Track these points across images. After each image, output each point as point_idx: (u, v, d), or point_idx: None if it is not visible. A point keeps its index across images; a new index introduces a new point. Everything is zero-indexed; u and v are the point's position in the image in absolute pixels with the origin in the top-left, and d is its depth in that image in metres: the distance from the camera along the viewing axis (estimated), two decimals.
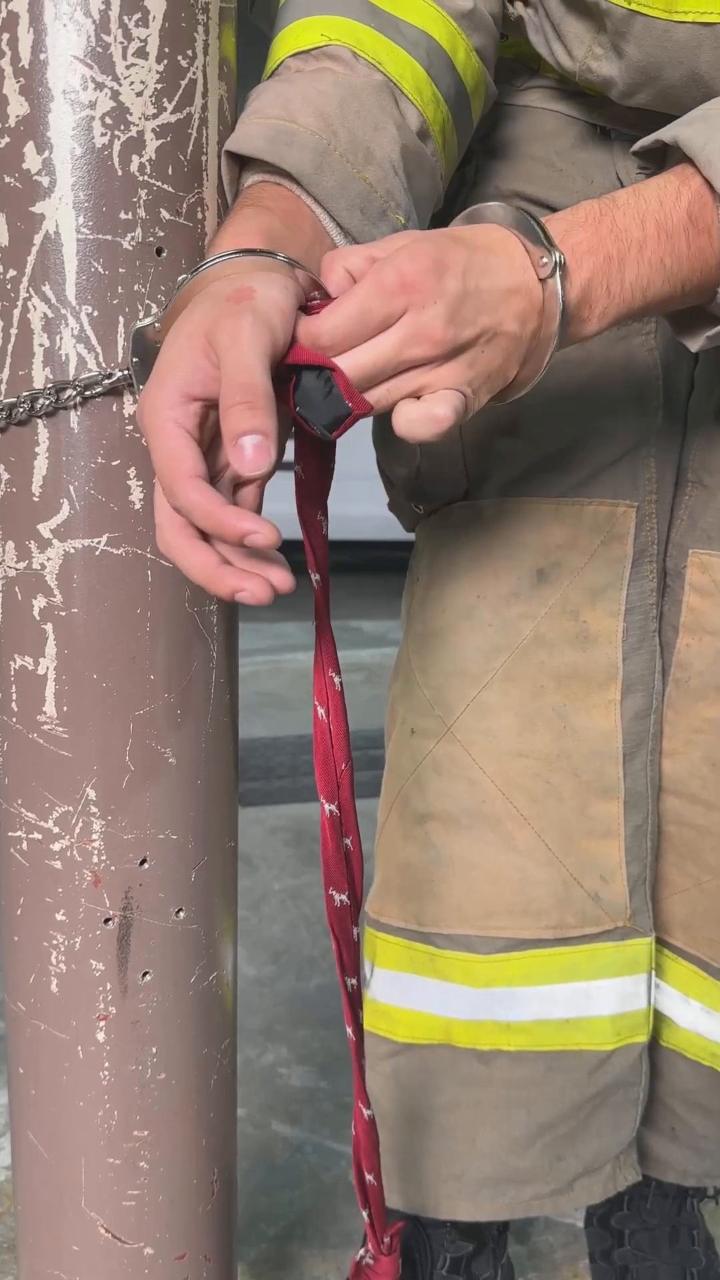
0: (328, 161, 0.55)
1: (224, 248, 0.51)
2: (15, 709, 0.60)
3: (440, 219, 0.74)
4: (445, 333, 0.47)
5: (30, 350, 0.55)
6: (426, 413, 0.48)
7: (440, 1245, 0.95)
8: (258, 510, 0.48)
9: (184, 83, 0.54)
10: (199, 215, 0.56)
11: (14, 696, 0.60)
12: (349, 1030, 0.62)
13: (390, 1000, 0.85)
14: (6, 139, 0.53)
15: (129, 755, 0.60)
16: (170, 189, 0.55)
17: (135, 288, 0.55)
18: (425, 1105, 0.84)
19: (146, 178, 0.54)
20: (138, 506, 0.57)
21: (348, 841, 0.58)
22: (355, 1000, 0.61)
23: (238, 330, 0.44)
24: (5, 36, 0.53)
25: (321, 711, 0.56)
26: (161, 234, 0.55)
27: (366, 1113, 0.65)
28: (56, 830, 0.61)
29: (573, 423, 0.75)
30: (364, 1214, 0.68)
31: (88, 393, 0.54)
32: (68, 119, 0.53)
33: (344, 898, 0.59)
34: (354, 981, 0.61)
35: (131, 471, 0.57)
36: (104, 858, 0.61)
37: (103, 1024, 0.63)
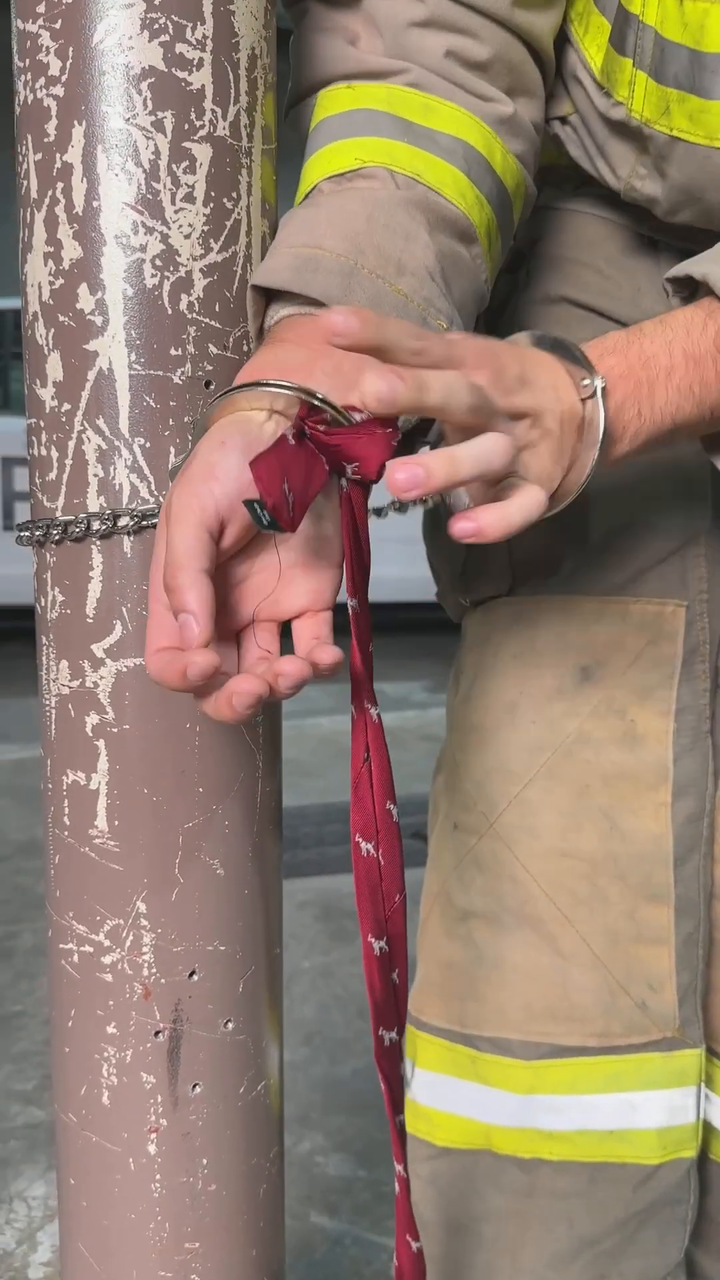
0: (356, 281, 0.56)
1: (244, 376, 0.53)
2: (67, 823, 0.61)
3: (490, 323, 0.77)
4: (517, 400, 0.50)
5: (85, 480, 0.57)
6: (476, 469, 0.48)
7: None
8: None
9: (229, 223, 0.57)
10: (245, 348, 0.59)
11: (66, 811, 0.61)
12: (397, 1167, 0.59)
13: (431, 1103, 0.82)
14: (61, 280, 0.56)
15: (178, 868, 0.61)
16: (217, 324, 0.57)
17: (185, 419, 0.57)
18: (465, 1213, 0.81)
19: (195, 315, 0.56)
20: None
21: (394, 976, 0.55)
22: (404, 1136, 0.59)
23: (174, 514, 0.48)
24: (60, 185, 0.56)
25: (368, 847, 0.54)
26: (210, 367, 0.57)
27: (415, 1245, 0.62)
28: (107, 943, 0.61)
29: (618, 518, 0.75)
30: None
31: (144, 522, 0.56)
32: (119, 262, 0.55)
33: (394, 1036, 0.56)
34: (401, 1119, 0.59)
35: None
36: (154, 970, 0.61)
37: (154, 1136, 0.63)
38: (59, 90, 0.55)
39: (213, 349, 0.57)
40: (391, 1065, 0.57)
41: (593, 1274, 0.80)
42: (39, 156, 0.56)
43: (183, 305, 0.56)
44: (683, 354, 0.55)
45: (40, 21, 0.55)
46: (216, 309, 0.57)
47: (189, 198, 0.56)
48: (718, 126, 0.62)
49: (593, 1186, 0.79)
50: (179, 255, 0.55)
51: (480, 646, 0.80)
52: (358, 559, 0.49)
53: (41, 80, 0.55)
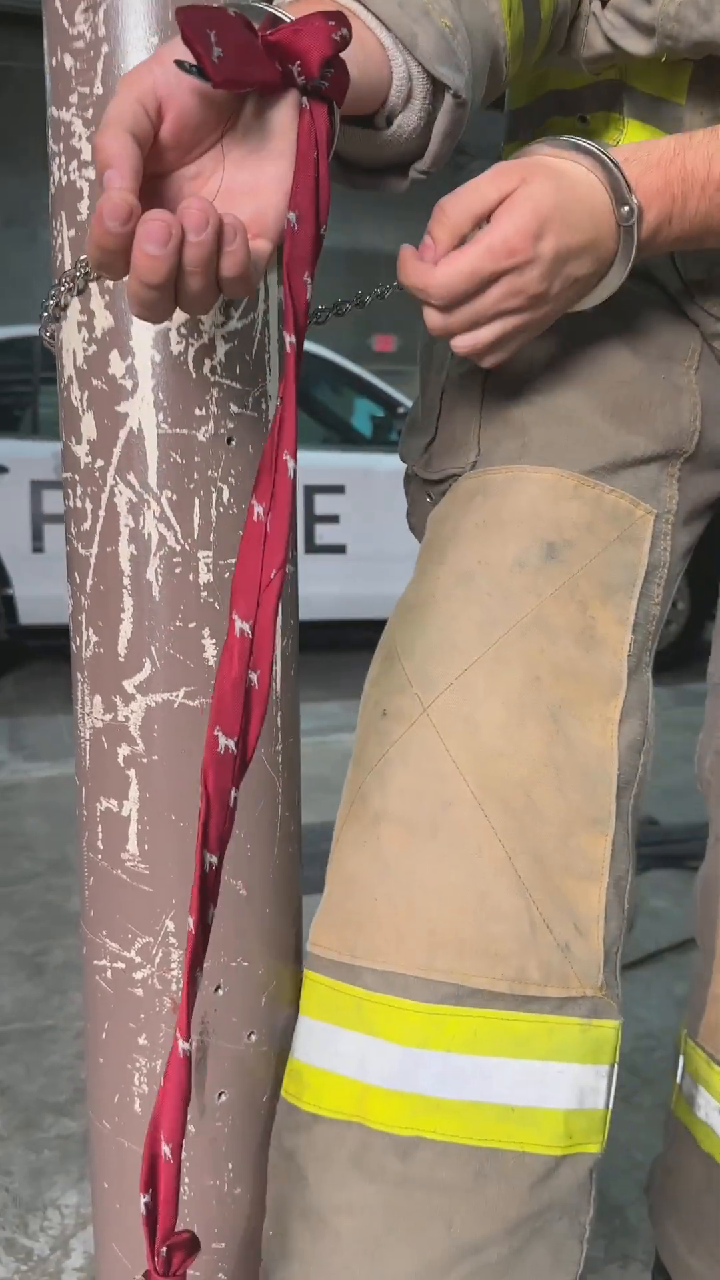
0: None
1: None
2: (101, 848, 0.66)
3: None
4: (539, 287, 0.60)
5: (117, 530, 0.62)
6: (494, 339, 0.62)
7: None
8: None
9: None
10: (263, 406, 0.63)
11: (99, 836, 0.66)
12: (190, 921, 0.51)
13: (305, 1057, 0.69)
14: (94, 348, 0.61)
15: (232, 868, 0.65)
16: (238, 385, 0.62)
17: (209, 473, 0.61)
18: (324, 1201, 0.67)
19: (217, 378, 0.61)
20: (210, 662, 0.63)
21: (254, 675, 0.50)
22: (210, 885, 0.51)
23: (118, 89, 0.49)
24: None
25: (260, 510, 0.50)
26: (231, 425, 0.62)
27: (183, 1046, 0.53)
28: (138, 960, 0.66)
29: (604, 408, 0.73)
30: (142, 1198, 0.55)
31: (175, 570, 0.61)
32: (148, 330, 0.60)
33: (231, 744, 0.50)
34: (214, 860, 0.51)
35: (205, 632, 0.63)
36: (182, 985, 0.65)
37: (183, 1144, 0.67)
38: (90, 174, 0.60)
39: (234, 408, 0.62)
40: (219, 782, 0.50)
41: None
42: (72, 233, 0.61)
43: (206, 369, 0.61)
44: (713, 160, 0.63)
45: (73, 110, 0.60)
46: (237, 371, 0.62)
47: None
48: None
49: (481, 1180, 0.66)
50: (202, 324, 0.60)
51: (439, 526, 0.74)
52: (306, 178, 0.50)
53: (74, 163, 0.60)
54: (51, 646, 5.00)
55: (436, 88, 0.59)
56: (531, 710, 0.68)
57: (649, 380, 0.73)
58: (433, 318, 0.62)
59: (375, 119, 0.59)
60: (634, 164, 0.62)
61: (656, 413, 0.74)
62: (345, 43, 0.50)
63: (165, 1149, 0.54)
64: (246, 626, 0.50)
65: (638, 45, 0.68)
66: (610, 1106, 0.70)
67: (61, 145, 0.61)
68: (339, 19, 0.50)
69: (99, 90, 0.59)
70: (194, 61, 0.47)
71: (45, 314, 0.62)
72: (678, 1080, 0.85)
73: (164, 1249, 0.56)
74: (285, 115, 0.52)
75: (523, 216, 0.58)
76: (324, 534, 4.18)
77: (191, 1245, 0.57)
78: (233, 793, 0.50)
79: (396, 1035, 0.66)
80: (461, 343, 0.63)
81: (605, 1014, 0.68)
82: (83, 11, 0.59)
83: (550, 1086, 0.67)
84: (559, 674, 0.68)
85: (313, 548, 4.17)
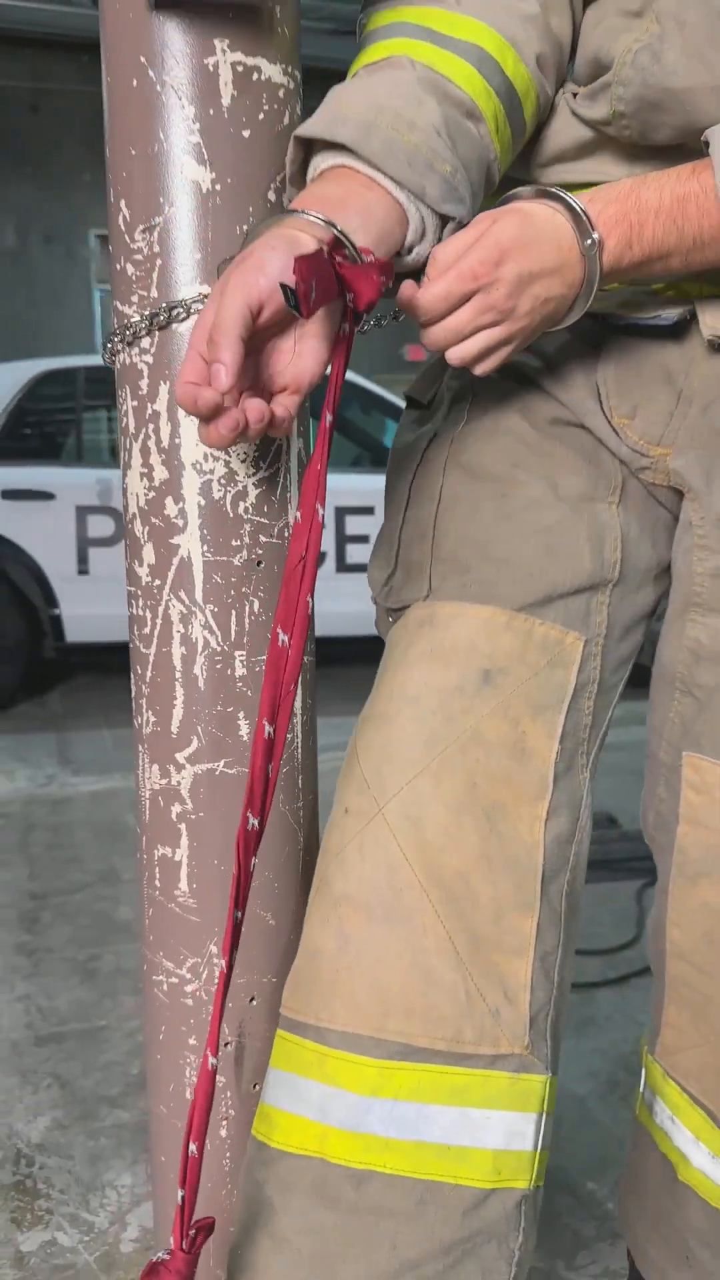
0: (374, 132, 0.69)
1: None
2: (158, 885, 0.82)
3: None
4: (507, 304, 0.70)
5: (170, 634, 0.78)
6: (479, 351, 0.72)
7: None
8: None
9: (272, 449, 0.77)
10: (285, 535, 0.79)
11: (157, 877, 0.82)
12: (223, 962, 0.67)
13: (274, 1102, 0.80)
14: (153, 493, 0.77)
15: (254, 914, 0.81)
16: (266, 520, 0.77)
17: (244, 590, 0.77)
18: (287, 1224, 0.78)
19: (249, 515, 0.77)
20: (245, 739, 0.79)
21: (271, 767, 0.65)
22: (236, 932, 0.68)
23: (228, 287, 0.63)
24: (151, 425, 0.76)
25: (284, 638, 0.66)
26: (260, 551, 0.77)
27: (212, 1061, 0.67)
28: (189, 976, 0.82)
29: (533, 551, 0.82)
30: (179, 1192, 0.70)
31: (215, 664, 0.76)
32: (195, 481, 0.76)
33: (256, 822, 0.66)
34: (240, 915, 0.66)
35: (240, 715, 0.79)
36: (234, 996, 0.81)
37: (225, 1123, 0.83)
38: (149, 358, 0.76)
39: (262, 538, 0.77)
40: (246, 854, 0.66)
41: None
42: (135, 403, 0.77)
43: (240, 509, 0.76)
44: (671, 196, 0.72)
45: (134, 307, 0.76)
46: (265, 509, 0.77)
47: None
48: None
49: (421, 1207, 0.77)
50: (237, 475, 0.76)
51: (393, 649, 0.85)
52: (342, 368, 0.68)
53: (136, 350, 0.76)
54: (95, 663, 5.20)
55: (444, 218, 0.73)
56: (468, 811, 0.78)
57: (574, 523, 0.83)
58: (425, 335, 0.74)
59: (399, 252, 0.73)
60: (595, 202, 0.73)
61: (581, 551, 0.83)
62: (386, 288, 0.66)
63: (193, 1147, 0.70)
64: (270, 729, 0.65)
65: (601, 109, 0.77)
66: (540, 1149, 0.80)
67: (127, 334, 0.77)
68: (386, 269, 0.66)
69: (154, 293, 0.75)
70: (295, 297, 0.62)
71: (114, 338, 0.78)
72: (641, 1089, 0.99)
73: (191, 1231, 0.71)
74: (326, 309, 0.67)
75: (485, 248, 0.69)
76: (354, 554, 4.34)
77: (210, 1228, 0.73)
78: (252, 861, 0.67)
79: (352, 1085, 0.77)
80: (452, 354, 0.72)
81: (532, 1069, 0.79)
82: (141, 232, 0.75)
83: (482, 1130, 0.78)
84: (493, 780, 0.79)
85: (343, 567, 4.32)
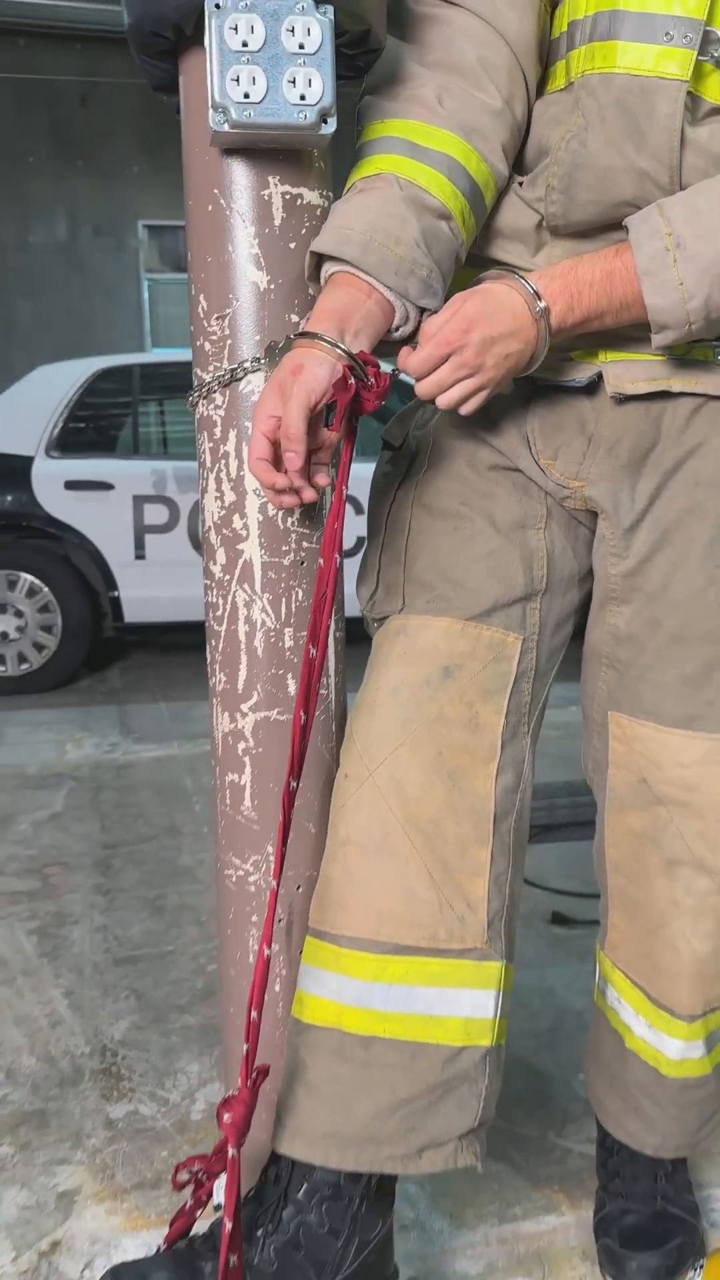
0: (370, 249, 0.93)
1: (311, 324, 0.93)
2: (228, 803, 1.09)
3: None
4: (475, 361, 0.93)
5: (237, 616, 1.05)
6: (459, 398, 0.95)
7: (316, 1177, 1.06)
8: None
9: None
10: (316, 540, 1.05)
11: (227, 797, 1.09)
12: (276, 843, 1.01)
13: (304, 988, 1.06)
14: (224, 511, 1.04)
15: (297, 822, 1.08)
16: (306, 530, 1.04)
17: (291, 583, 1.04)
18: (315, 1076, 1.04)
19: (294, 528, 1.03)
20: (291, 693, 1.06)
21: (304, 743, 0.96)
22: (285, 838, 0.98)
23: (293, 395, 0.89)
24: (223, 461, 1.03)
25: (314, 652, 0.94)
26: (302, 554, 1.04)
27: (266, 951, 0.94)
28: (251, 870, 1.09)
29: (482, 572, 1.06)
30: (244, 1046, 0.97)
31: (270, 639, 1.03)
32: (255, 504, 1.02)
33: (295, 784, 0.95)
34: (288, 825, 0.98)
35: (289, 677, 1.06)
36: (285, 886, 1.09)
37: (279, 980, 1.10)
38: (221, 411, 1.03)
39: (304, 545, 1.04)
40: (289, 803, 0.96)
41: (405, 1126, 1.03)
42: (210, 445, 1.04)
43: (288, 524, 1.03)
44: (601, 271, 0.94)
45: (210, 373, 1.03)
46: (305, 524, 1.04)
47: None
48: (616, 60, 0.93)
49: (413, 1060, 1.03)
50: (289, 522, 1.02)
51: (377, 650, 1.09)
52: (350, 450, 0.96)
53: (212, 405, 1.03)
54: (151, 642, 5.51)
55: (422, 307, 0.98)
56: (436, 773, 1.03)
57: (509, 549, 1.07)
58: (416, 388, 0.95)
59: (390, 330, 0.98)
60: (543, 279, 0.94)
61: (515, 571, 1.06)
62: (384, 401, 0.93)
63: (254, 1014, 0.98)
64: (304, 715, 0.95)
65: (538, 188, 1.00)
66: (499, 1016, 1.06)
67: (205, 391, 1.04)
68: (383, 392, 0.93)
69: (225, 364, 1.02)
70: (332, 415, 0.89)
71: (195, 394, 1.05)
72: (596, 980, 1.24)
73: (253, 1074, 0.99)
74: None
75: (457, 321, 0.92)
76: None
77: (266, 1071, 1.00)
78: (293, 783, 0.98)
79: (359, 974, 1.03)
80: (439, 401, 0.95)
81: (490, 958, 1.05)
82: (215, 319, 1.01)
83: (454, 1003, 1.04)
84: (454, 749, 1.03)
85: None
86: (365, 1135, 1.03)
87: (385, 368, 0.97)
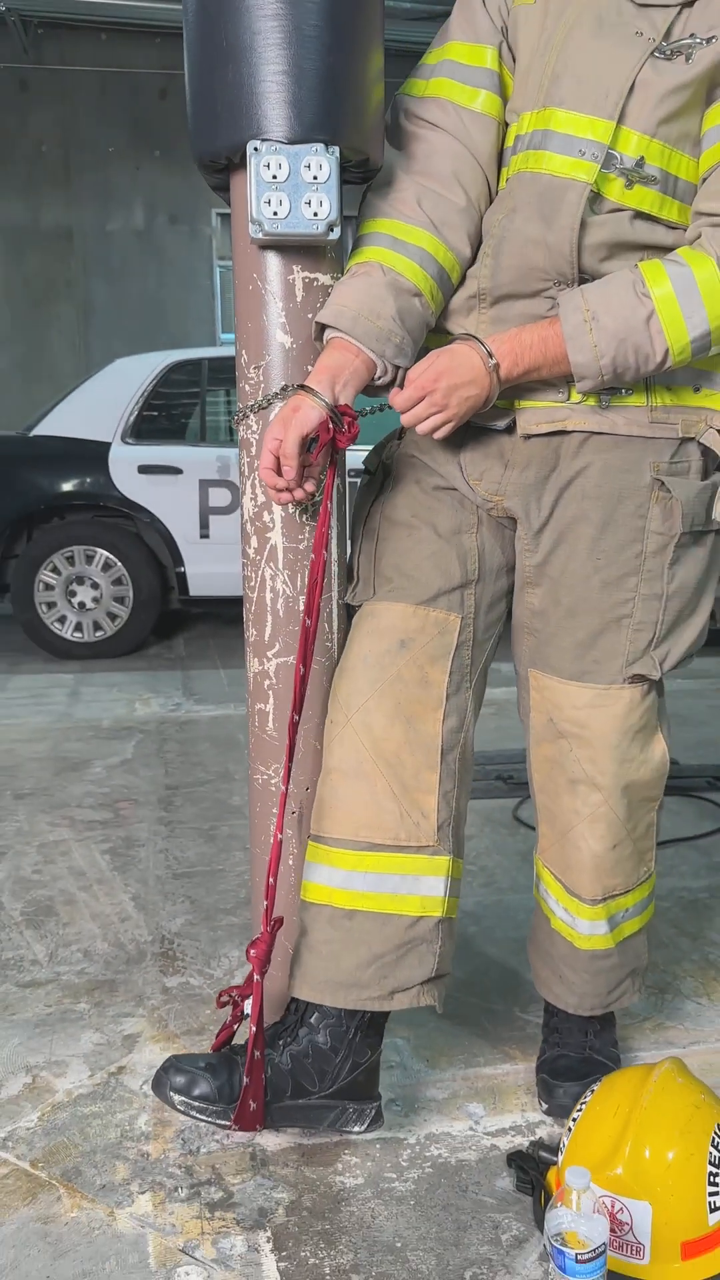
0: (359, 321, 1.27)
1: (313, 377, 1.27)
2: (257, 725, 1.47)
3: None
4: (443, 401, 1.25)
5: (264, 586, 1.42)
6: (431, 428, 1.27)
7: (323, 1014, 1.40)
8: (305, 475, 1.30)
9: (312, 506, 1.41)
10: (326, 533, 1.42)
11: (256, 721, 1.47)
12: (284, 760, 1.40)
13: (306, 877, 1.40)
14: (257, 508, 1.41)
15: (300, 745, 1.45)
16: (312, 524, 1.41)
17: (304, 562, 1.41)
18: (316, 936, 1.37)
19: (306, 521, 1.40)
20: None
21: (296, 716, 1.31)
22: (291, 752, 1.32)
23: (290, 426, 1.25)
24: (256, 471, 1.40)
25: (309, 622, 1.30)
26: (310, 542, 1.41)
27: (278, 836, 1.30)
28: (273, 775, 1.47)
29: (429, 567, 1.38)
30: (264, 903, 1.31)
31: (288, 603, 1.41)
32: (279, 512, 1.39)
33: (296, 717, 1.30)
34: (295, 744, 1.32)
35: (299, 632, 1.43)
36: (293, 788, 1.46)
37: (291, 858, 1.48)
38: (256, 434, 1.40)
39: (310, 535, 1.41)
40: (292, 734, 1.31)
41: (379, 974, 1.35)
42: (248, 458, 1.41)
43: (301, 520, 1.40)
44: (538, 336, 1.27)
45: (251, 405, 1.40)
46: (312, 522, 1.41)
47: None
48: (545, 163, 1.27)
49: (383, 926, 1.35)
50: (302, 519, 1.39)
51: (354, 628, 1.41)
52: (333, 477, 1.32)
53: (248, 427, 1.40)
54: (213, 614, 5.94)
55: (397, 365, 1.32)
56: (397, 719, 1.36)
57: (448, 550, 1.39)
58: (402, 419, 1.27)
59: (372, 381, 1.33)
60: (494, 341, 1.26)
61: (453, 566, 1.39)
62: (353, 441, 1.29)
63: (271, 879, 1.34)
64: (303, 667, 1.31)
65: (478, 262, 1.35)
66: (447, 896, 1.38)
67: (242, 420, 1.41)
68: (353, 434, 1.29)
69: (262, 402, 1.39)
70: (314, 447, 1.27)
71: (238, 415, 1.41)
72: (534, 879, 1.59)
73: (272, 923, 1.35)
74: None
75: (430, 372, 1.25)
76: None
77: (281, 921, 1.36)
78: (295, 716, 1.34)
79: (343, 865, 1.37)
80: (419, 429, 1.27)
81: (440, 853, 1.38)
82: (253, 369, 1.39)
83: (414, 885, 1.37)
84: (410, 701, 1.36)
85: None
86: (350, 981, 1.36)
87: (376, 402, 1.34)
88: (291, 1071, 1.38)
